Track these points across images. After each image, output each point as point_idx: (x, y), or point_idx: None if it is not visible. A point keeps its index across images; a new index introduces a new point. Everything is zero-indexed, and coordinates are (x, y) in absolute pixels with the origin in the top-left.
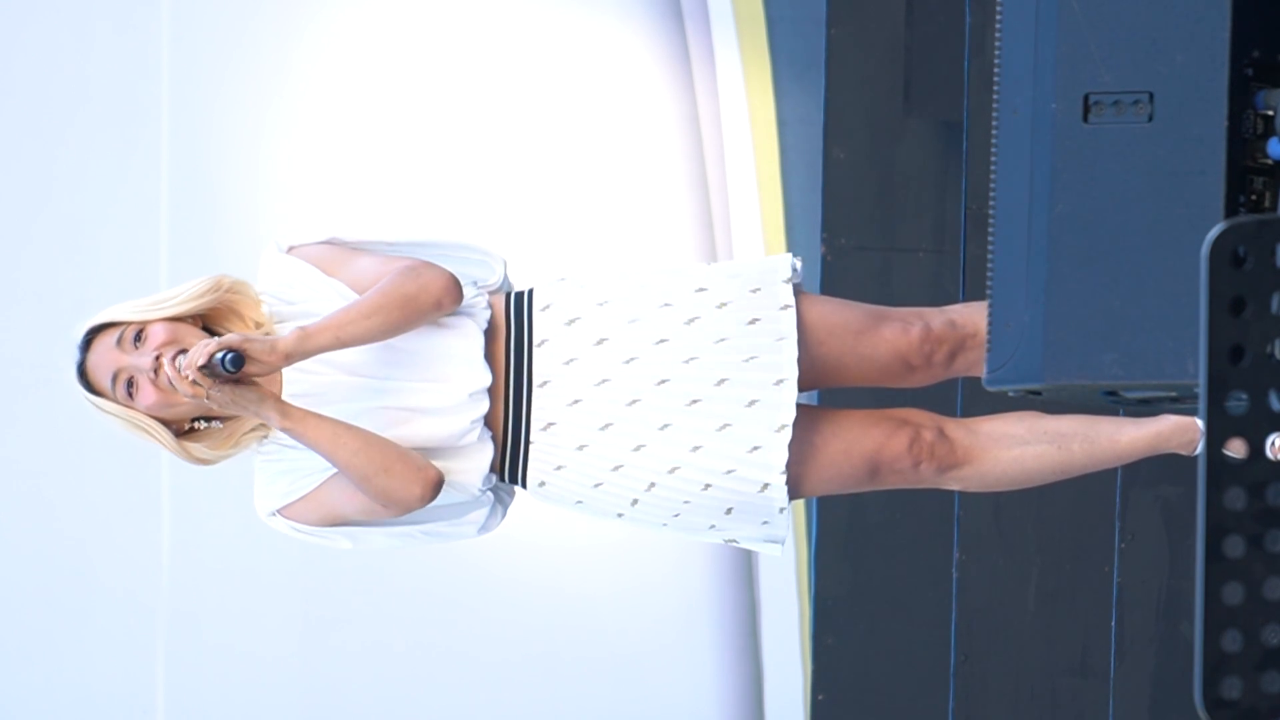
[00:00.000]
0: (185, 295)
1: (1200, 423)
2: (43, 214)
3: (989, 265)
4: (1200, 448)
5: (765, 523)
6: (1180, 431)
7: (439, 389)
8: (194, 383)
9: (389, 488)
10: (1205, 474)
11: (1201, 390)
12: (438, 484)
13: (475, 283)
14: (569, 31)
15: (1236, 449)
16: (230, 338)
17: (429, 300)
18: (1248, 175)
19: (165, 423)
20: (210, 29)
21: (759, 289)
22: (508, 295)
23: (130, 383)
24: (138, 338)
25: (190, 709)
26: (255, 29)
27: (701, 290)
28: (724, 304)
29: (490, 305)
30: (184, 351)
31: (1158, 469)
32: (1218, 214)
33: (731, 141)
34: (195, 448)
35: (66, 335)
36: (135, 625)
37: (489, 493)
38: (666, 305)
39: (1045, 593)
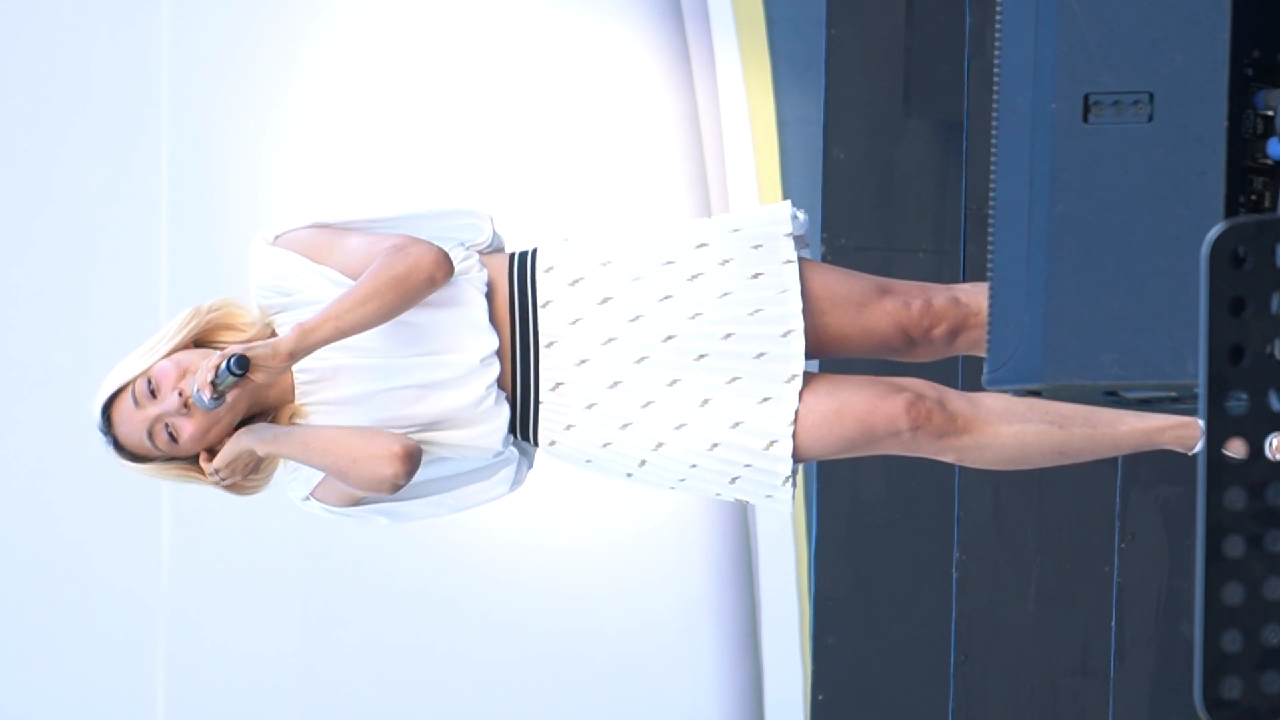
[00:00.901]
0: (171, 330)
1: (1200, 422)
2: (43, 214)
3: (989, 265)
4: (1200, 447)
5: (769, 496)
6: (1180, 428)
7: (449, 359)
8: (215, 396)
9: (363, 475)
10: (1205, 474)
11: (1201, 390)
12: (409, 456)
13: (463, 244)
14: (569, 31)
15: (1236, 449)
16: (230, 348)
17: (421, 277)
18: (1248, 175)
19: (211, 452)
20: (210, 29)
21: (760, 245)
22: (511, 256)
23: (169, 428)
24: (150, 387)
25: (190, 709)
26: (255, 29)
27: (703, 246)
28: (726, 260)
29: (485, 265)
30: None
31: (1158, 469)
32: (1218, 214)
33: (731, 141)
34: (244, 480)
35: (86, 417)
36: (135, 625)
37: (512, 448)
38: (669, 263)
39: (1045, 593)
